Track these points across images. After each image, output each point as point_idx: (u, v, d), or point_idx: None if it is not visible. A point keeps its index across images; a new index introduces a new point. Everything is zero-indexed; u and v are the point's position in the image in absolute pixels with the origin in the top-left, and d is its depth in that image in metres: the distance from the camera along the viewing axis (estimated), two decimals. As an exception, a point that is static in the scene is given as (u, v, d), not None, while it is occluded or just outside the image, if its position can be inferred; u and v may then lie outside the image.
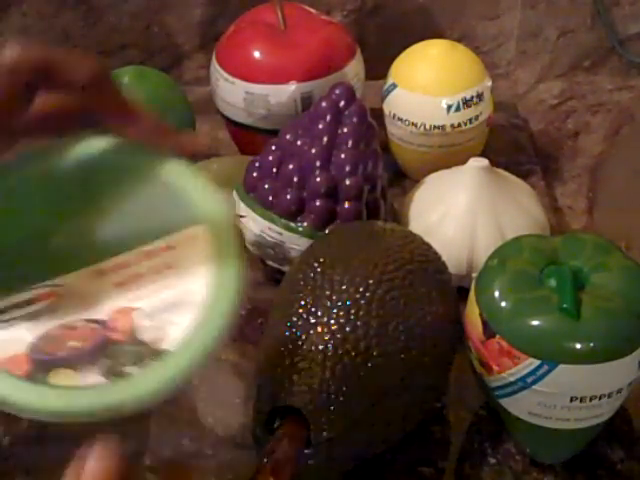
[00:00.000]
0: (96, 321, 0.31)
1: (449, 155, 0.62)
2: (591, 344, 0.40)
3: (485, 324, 0.42)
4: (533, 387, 0.41)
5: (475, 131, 0.62)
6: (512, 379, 0.42)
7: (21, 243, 0.32)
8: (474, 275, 0.46)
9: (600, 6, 0.76)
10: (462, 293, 0.48)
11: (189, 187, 0.34)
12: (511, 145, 0.70)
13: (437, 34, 0.74)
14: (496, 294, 0.42)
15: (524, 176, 0.62)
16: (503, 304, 0.42)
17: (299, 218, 0.53)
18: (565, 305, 0.40)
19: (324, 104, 0.54)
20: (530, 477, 0.46)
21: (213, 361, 0.52)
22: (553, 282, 0.42)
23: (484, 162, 0.55)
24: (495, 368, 0.42)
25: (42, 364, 0.30)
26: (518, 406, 0.43)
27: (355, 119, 0.54)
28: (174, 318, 0.31)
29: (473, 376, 0.46)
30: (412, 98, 0.61)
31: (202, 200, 0.33)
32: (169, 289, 0.32)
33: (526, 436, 0.45)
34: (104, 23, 0.77)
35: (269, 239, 0.54)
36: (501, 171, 0.58)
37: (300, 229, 0.53)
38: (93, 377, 0.29)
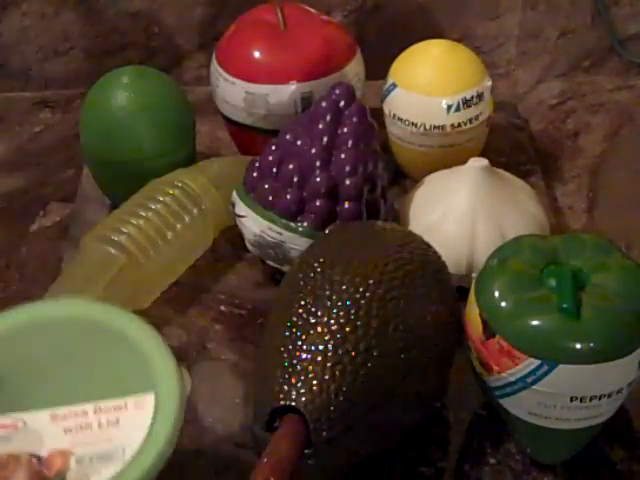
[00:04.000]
0: (38, 457, 0.37)
1: (449, 155, 0.62)
2: (591, 344, 0.40)
3: (485, 324, 0.42)
4: (533, 387, 0.41)
5: (475, 131, 0.62)
6: (512, 379, 0.42)
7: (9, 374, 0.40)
8: (474, 275, 0.46)
9: (600, 6, 0.76)
10: (462, 293, 0.48)
11: (152, 353, 0.40)
12: (511, 145, 0.70)
13: (437, 34, 0.74)
14: (496, 294, 0.42)
15: (524, 176, 0.62)
16: (503, 304, 0.42)
17: (299, 218, 0.53)
18: (565, 305, 0.40)
19: (324, 104, 0.54)
20: (530, 477, 0.46)
21: (213, 361, 0.53)
22: (553, 282, 0.42)
23: (484, 162, 0.55)
24: (495, 368, 0.43)
25: None
26: (518, 406, 0.43)
27: (355, 119, 0.54)
28: (102, 469, 0.36)
29: (473, 376, 0.46)
30: (412, 98, 0.61)
31: (160, 369, 0.39)
32: (107, 443, 0.37)
33: (526, 436, 0.45)
34: (104, 23, 0.77)
35: (269, 239, 0.54)
36: (501, 171, 0.58)
37: (300, 229, 0.53)
38: None
